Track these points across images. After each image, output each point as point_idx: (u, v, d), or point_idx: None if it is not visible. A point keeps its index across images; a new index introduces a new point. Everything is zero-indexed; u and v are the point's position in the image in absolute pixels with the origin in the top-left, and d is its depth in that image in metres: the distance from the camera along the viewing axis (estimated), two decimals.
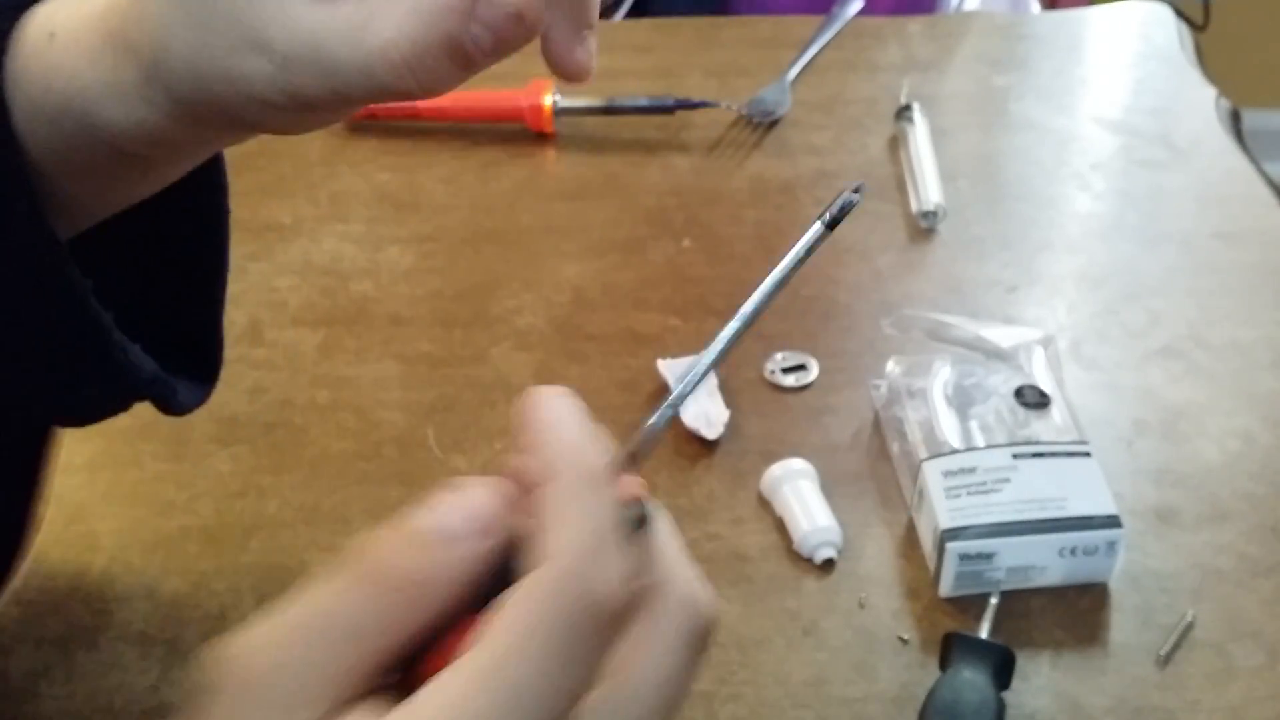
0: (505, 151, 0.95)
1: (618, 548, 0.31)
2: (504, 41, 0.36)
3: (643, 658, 0.31)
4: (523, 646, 0.28)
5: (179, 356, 0.50)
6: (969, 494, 0.63)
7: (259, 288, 0.83)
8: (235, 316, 0.77)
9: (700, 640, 0.33)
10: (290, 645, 0.29)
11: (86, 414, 0.50)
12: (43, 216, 0.40)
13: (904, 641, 0.62)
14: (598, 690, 0.30)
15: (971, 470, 0.64)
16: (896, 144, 0.94)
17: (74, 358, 0.43)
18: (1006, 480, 0.64)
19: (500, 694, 0.28)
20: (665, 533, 0.35)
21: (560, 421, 0.34)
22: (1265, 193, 0.90)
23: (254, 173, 0.92)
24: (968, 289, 0.82)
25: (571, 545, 0.30)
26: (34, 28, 0.40)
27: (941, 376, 0.70)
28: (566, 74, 0.39)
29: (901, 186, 0.91)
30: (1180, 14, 1.10)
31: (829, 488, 0.68)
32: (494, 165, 0.94)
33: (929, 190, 0.88)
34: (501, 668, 0.28)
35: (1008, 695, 0.58)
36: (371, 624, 0.29)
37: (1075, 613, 0.63)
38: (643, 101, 0.96)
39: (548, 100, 0.95)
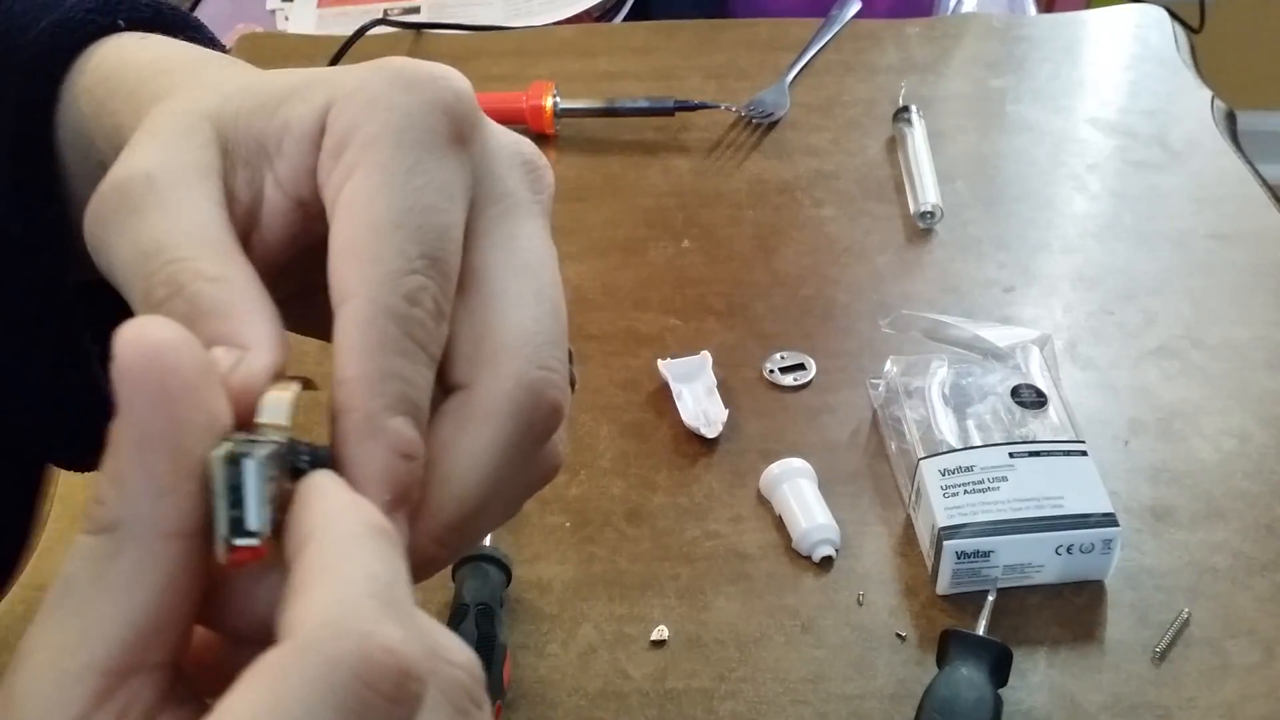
0: None
1: (399, 607, 0.24)
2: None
3: None
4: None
5: None
6: (966, 492, 0.64)
7: None
8: None
9: (469, 705, 0.26)
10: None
11: (74, 454, 0.45)
12: (64, 273, 0.37)
13: (901, 639, 0.62)
14: None
15: (969, 469, 0.65)
16: (894, 145, 0.95)
17: (69, 410, 0.39)
18: (1003, 479, 0.64)
19: None
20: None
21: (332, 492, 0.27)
22: (1260, 193, 0.90)
23: None
24: (965, 289, 0.83)
25: (340, 599, 0.23)
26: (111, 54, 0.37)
27: (939, 376, 0.71)
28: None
29: (899, 187, 0.91)
30: (1176, 17, 1.10)
31: (827, 486, 0.69)
32: None
33: (927, 191, 0.88)
34: None
35: (1005, 692, 0.58)
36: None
37: (1072, 610, 0.64)
38: (643, 103, 0.97)
39: (549, 101, 0.95)
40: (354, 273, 0.29)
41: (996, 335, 0.74)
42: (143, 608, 0.25)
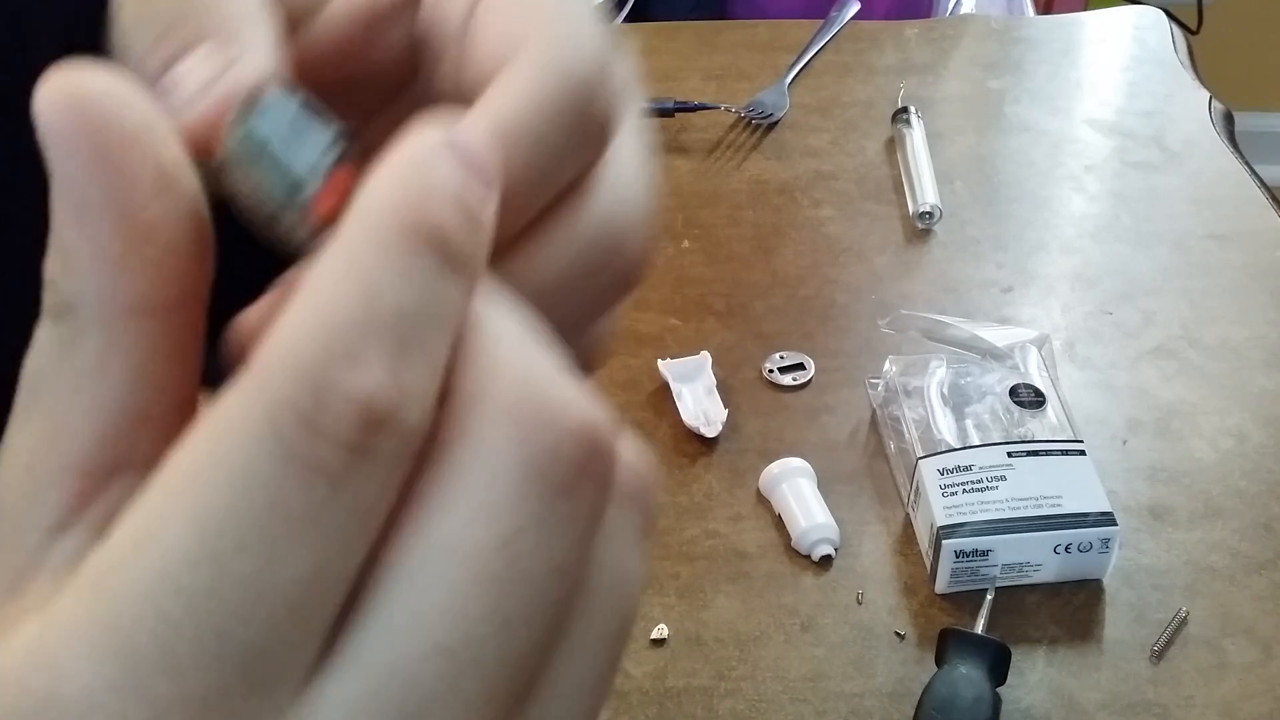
0: None
1: (397, 335, 0.18)
2: None
3: (442, 510, 0.19)
4: (220, 499, 0.17)
5: None
6: (965, 491, 0.64)
7: None
8: None
9: (562, 472, 0.19)
10: None
11: None
12: None
13: (900, 637, 0.63)
14: (375, 570, 0.19)
15: (967, 468, 0.65)
16: (893, 146, 0.95)
17: None
18: (1002, 478, 0.65)
19: (183, 568, 0.17)
20: (495, 312, 0.21)
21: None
22: (1258, 194, 0.90)
23: None
24: (964, 289, 0.83)
25: (313, 327, 0.18)
26: None
27: (938, 376, 0.71)
28: None
29: (898, 188, 0.91)
30: (1174, 18, 1.11)
31: (826, 486, 0.69)
32: None
33: (925, 192, 0.88)
34: (190, 524, 0.17)
35: (1003, 691, 0.59)
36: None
37: (1070, 609, 0.64)
38: (642, 104, 0.97)
39: None
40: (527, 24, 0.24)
41: (995, 335, 0.74)
42: (116, 398, 0.21)
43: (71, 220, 0.20)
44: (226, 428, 0.18)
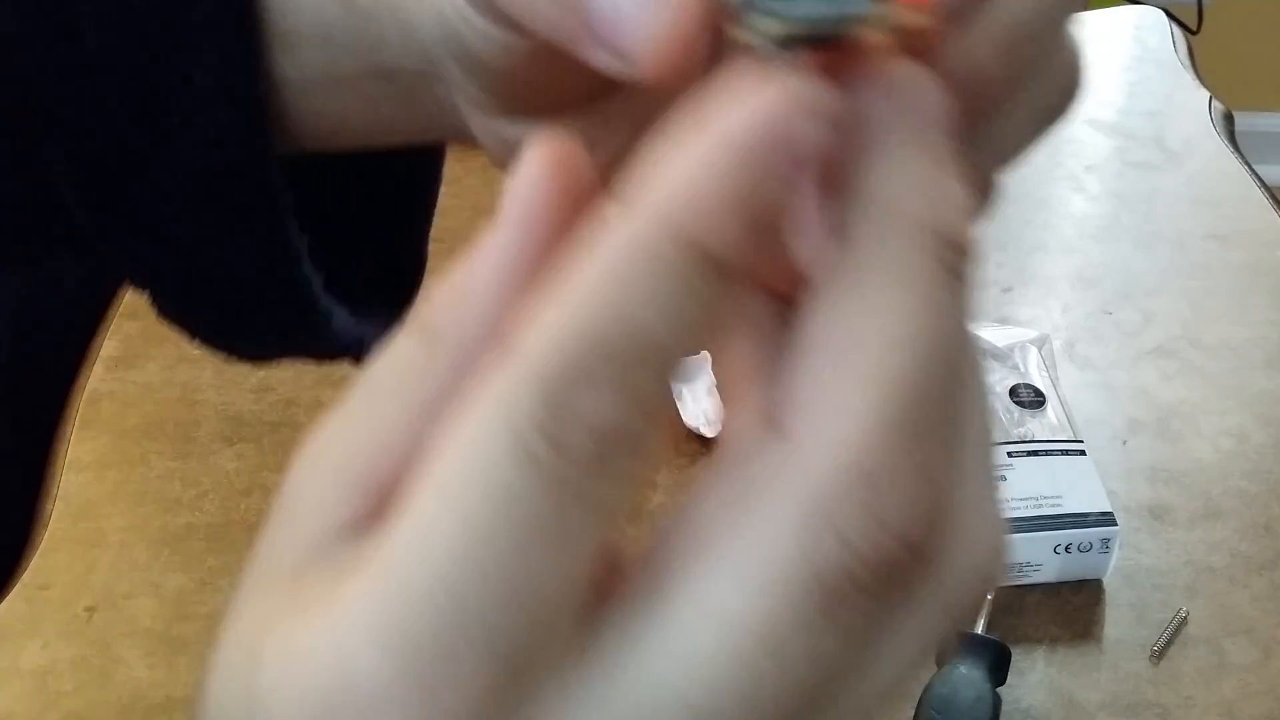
0: None
1: (639, 355, 0.18)
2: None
3: (717, 567, 0.18)
4: (476, 504, 0.18)
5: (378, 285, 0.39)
6: None
7: None
8: None
9: (845, 585, 0.18)
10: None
11: (270, 357, 0.40)
12: (276, 165, 0.31)
13: None
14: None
15: None
16: None
17: (273, 311, 0.35)
18: (1002, 478, 0.64)
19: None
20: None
21: None
22: (1258, 194, 0.90)
23: None
24: None
25: (558, 336, 0.18)
26: None
27: None
28: None
29: None
30: (1174, 18, 1.11)
31: None
32: (496, 167, 0.95)
33: None
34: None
35: (1003, 691, 0.59)
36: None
37: (1070, 609, 0.64)
38: None
39: None
40: None
41: (995, 335, 0.74)
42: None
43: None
44: (480, 431, 0.18)
